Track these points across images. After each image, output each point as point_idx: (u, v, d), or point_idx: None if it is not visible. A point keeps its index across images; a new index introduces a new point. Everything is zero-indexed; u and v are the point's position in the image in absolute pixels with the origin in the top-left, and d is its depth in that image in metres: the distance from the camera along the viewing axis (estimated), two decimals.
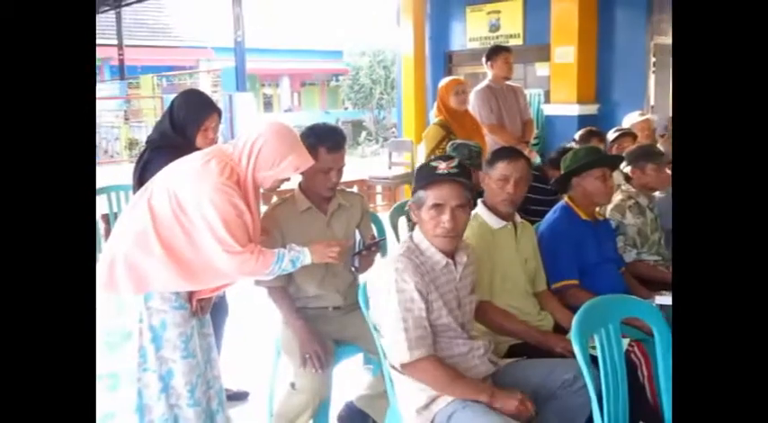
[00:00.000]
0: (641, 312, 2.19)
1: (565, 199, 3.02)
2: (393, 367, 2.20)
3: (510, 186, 2.62)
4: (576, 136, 4.42)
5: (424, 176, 2.20)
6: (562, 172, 3.02)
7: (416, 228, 2.25)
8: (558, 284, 2.83)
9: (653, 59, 6.60)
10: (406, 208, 2.28)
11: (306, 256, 2.43)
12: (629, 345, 2.47)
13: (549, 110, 6.57)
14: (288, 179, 2.48)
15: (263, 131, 2.36)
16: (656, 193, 3.59)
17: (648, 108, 6.40)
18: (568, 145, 4.04)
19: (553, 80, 6.52)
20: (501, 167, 2.64)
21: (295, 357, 2.61)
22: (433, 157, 2.29)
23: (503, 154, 2.74)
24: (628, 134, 4.47)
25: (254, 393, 3.41)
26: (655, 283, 3.13)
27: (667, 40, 6.70)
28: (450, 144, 3.86)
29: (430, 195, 2.15)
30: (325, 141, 2.65)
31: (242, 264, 2.28)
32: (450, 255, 2.23)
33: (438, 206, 2.14)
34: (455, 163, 2.20)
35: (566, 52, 6.32)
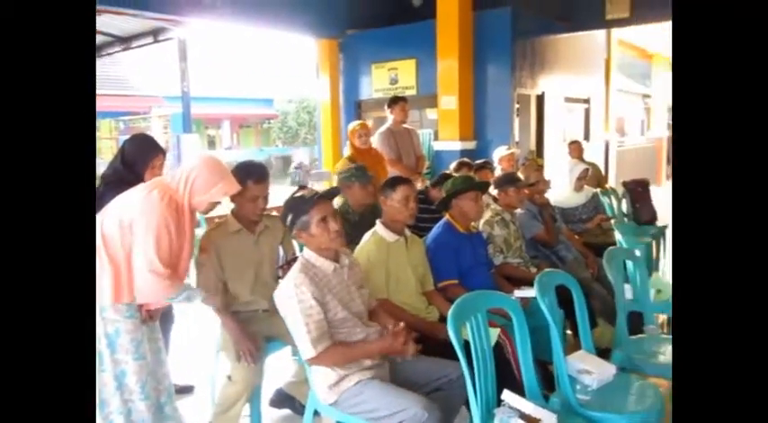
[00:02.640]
0: (503, 303, 2.26)
1: (446, 216, 3.11)
2: None
3: (411, 203, 2.72)
4: (451, 166, 4.57)
5: (302, 205, 2.21)
6: (444, 195, 3.12)
7: (305, 248, 2.27)
8: (442, 284, 2.90)
9: (516, 106, 6.90)
10: (293, 235, 2.28)
11: (197, 298, 2.40)
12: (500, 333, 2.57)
13: (437, 146, 6.72)
14: (219, 203, 2.44)
15: (197, 164, 2.33)
16: (517, 210, 3.73)
17: (514, 143, 6.67)
18: (447, 172, 4.17)
19: (440, 122, 6.67)
20: (403, 190, 2.72)
21: (231, 354, 2.58)
22: (294, 192, 2.33)
23: (401, 180, 2.82)
24: (486, 166, 4.67)
25: (198, 386, 3.33)
26: (518, 280, 3.21)
27: (526, 90, 7.03)
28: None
29: (314, 215, 2.18)
30: (251, 175, 2.66)
31: (156, 284, 2.21)
32: (336, 259, 2.26)
33: (324, 219, 2.19)
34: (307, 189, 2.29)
35: (449, 101, 6.49)
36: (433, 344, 2.44)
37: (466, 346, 2.05)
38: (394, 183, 2.77)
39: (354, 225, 3.28)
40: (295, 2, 7.07)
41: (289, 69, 22.37)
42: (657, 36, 11.83)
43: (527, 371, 2.24)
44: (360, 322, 2.27)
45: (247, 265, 2.75)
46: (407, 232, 2.80)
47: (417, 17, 7.66)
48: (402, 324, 2.25)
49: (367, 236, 2.73)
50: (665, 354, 2.67)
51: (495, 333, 2.50)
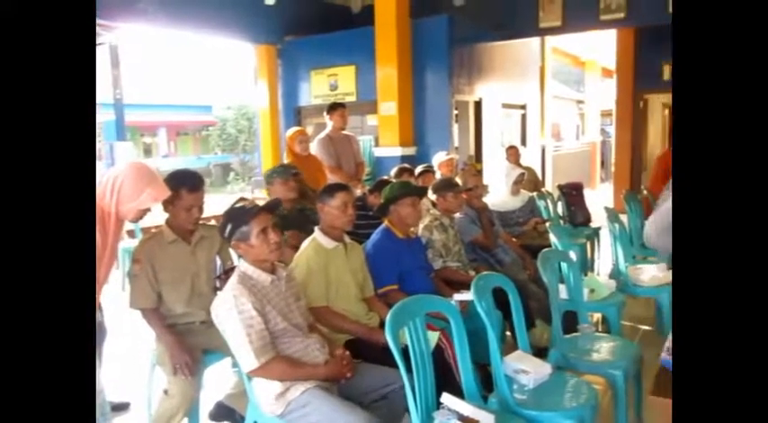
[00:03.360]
0: (440, 307, 2.29)
1: (385, 222, 3.14)
2: None
3: (350, 210, 2.73)
4: (392, 172, 4.62)
5: (243, 215, 2.20)
6: (382, 201, 3.15)
7: (241, 260, 2.25)
8: (382, 289, 2.93)
9: (455, 112, 7.02)
10: (231, 245, 2.25)
11: None
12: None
13: (378, 152, 6.76)
14: (149, 210, 2.36)
15: (123, 170, 2.26)
16: (456, 215, 3.80)
17: (453, 148, 6.79)
18: (385, 178, 4.20)
19: (380, 129, 6.72)
20: (341, 196, 2.73)
21: (167, 367, 2.51)
22: (234, 202, 2.32)
23: (339, 187, 2.83)
24: (429, 170, 4.74)
25: (134, 403, 3.23)
26: (457, 284, 3.25)
27: (464, 97, 7.18)
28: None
29: (254, 226, 2.18)
30: (185, 183, 2.61)
31: None
32: (273, 271, 2.26)
33: (264, 230, 2.19)
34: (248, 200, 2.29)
35: (389, 107, 6.55)
36: (375, 350, 2.46)
37: (406, 350, 2.07)
38: (332, 189, 2.78)
39: (283, 217, 3.28)
40: (231, 7, 6.98)
41: (227, 76, 22.00)
42: (589, 44, 12.33)
43: (465, 373, 2.28)
44: (300, 333, 2.26)
45: (183, 276, 2.70)
46: (347, 239, 2.81)
47: (356, 24, 7.72)
48: (348, 352, 2.27)
49: (306, 243, 2.72)
50: (599, 351, 2.77)
51: (434, 337, 2.54)
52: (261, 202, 2.29)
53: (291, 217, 3.38)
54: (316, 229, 2.75)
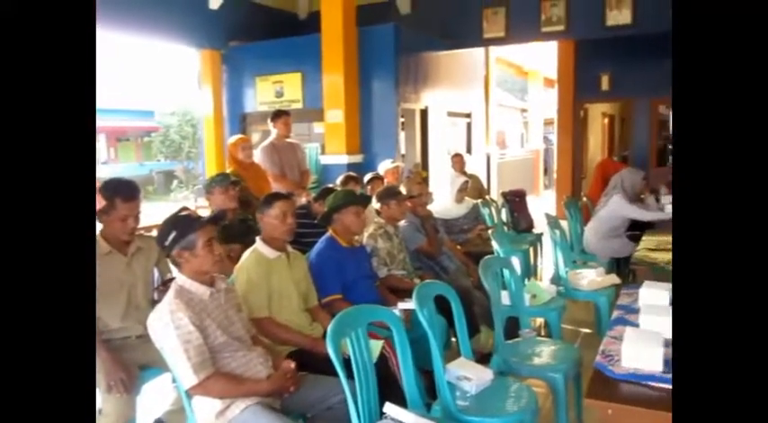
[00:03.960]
0: (382, 316, 2.30)
1: (329, 231, 3.13)
2: None
3: (289, 219, 2.70)
4: (338, 180, 4.61)
5: (190, 223, 2.17)
6: (325, 210, 3.13)
7: (178, 273, 2.20)
8: (326, 299, 2.91)
9: (401, 120, 7.07)
10: (172, 255, 2.19)
11: None
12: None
13: (325, 160, 6.72)
14: None
15: None
16: (400, 223, 3.82)
17: (399, 156, 6.83)
18: (330, 186, 4.20)
19: (327, 136, 6.69)
20: (279, 206, 2.71)
21: (101, 385, 2.43)
22: (177, 211, 2.28)
23: (278, 196, 2.80)
24: (377, 178, 4.76)
25: None
26: (403, 292, 3.26)
27: (411, 105, 7.25)
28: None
29: (201, 235, 2.14)
30: (120, 193, 2.53)
31: None
32: (211, 284, 2.22)
33: (210, 240, 2.16)
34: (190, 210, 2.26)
35: (335, 114, 6.53)
36: (319, 361, 2.44)
37: (350, 361, 2.07)
38: (270, 199, 2.75)
39: (224, 228, 3.22)
40: (174, 11, 6.84)
41: (170, 80, 21.55)
42: (532, 55, 12.67)
43: (408, 381, 2.29)
44: (242, 346, 2.22)
45: (119, 289, 2.61)
46: (289, 248, 2.78)
47: (303, 31, 7.69)
48: (293, 364, 2.24)
49: (247, 253, 2.69)
50: (540, 355, 2.84)
51: (378, 346, 2.54)
52: (203, 211, 2.25)
53: (233, 227, 3.32)
54: (257, 239, 2.71)
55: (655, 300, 2.45)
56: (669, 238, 4.03)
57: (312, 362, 2.46)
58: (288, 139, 5.24)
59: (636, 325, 2.20)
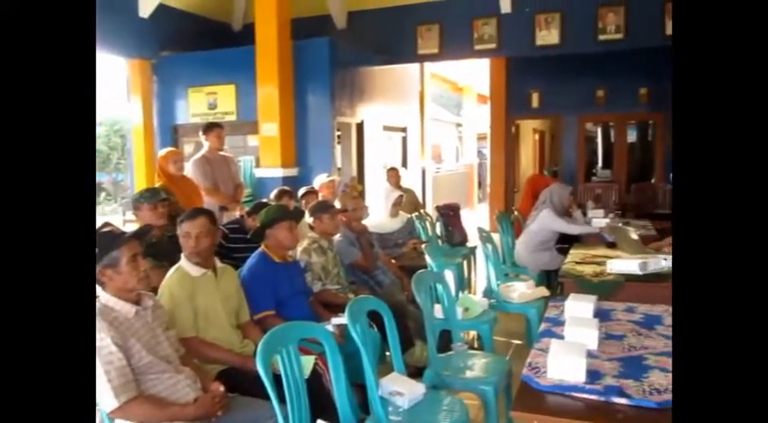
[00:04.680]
0: (314, 333, 2.28)
1: (262, 246, 3.09)
2: None
3: (192, 241, 2.63)
4: (271, 195, 4.56)
5: (113, 240, 2.10)
6: (258, 225, 3.09)
7: (100, 290, 2.10)
8: (259, 315, 2.87)
9: (337, 133, 7.09)
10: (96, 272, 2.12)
11: None
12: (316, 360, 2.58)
13: (259, 173, 6.65)
14: None
15: None
16: (335, 237, 3.81)
17: (335, 170, 6.84)
18: (264, 201, 4.14)
19: (261, 149, 6.62)
20: (184, 226, 2.65)
21: None
22: (99, 226, 2.21)
23: (185, 215, 2.74)
24: (312, 192, 4.74)
25: None
26: (336, 306, 3.24)
27: (346, 119, 7.27)
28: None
29: (126, 252, 2.07)
30: None
31: None
32: (137, 302, 2.15)
33: (134, 257, 2.09)
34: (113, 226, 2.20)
35: (270, 128, 6.47)
36: (250, 379, 2.38)
37: (280, 377, 2.04)
38: (190, 216, 2.69)
39: (151, 245, 3.12)
40: (102, 18, 6.57)
41: (98, 90, 20.77)
42: (466, 71, 12.98)
43: (341, 398, 2.28)
44: (169, 366, 2.14)
45: None
46: (218, 264, 2.72)
47: (237, 42, 7.60)
48: (221, 387, 2.18)
49: (171, 271, 2.60)
50: (472, 368, 2.88)
51: (310, 361, 2.52)
52: (132, 226, 2.17)
53: (161, 244, 3.21)
54: (182, 256, 2.64)
55: (580, 312, 2.53)
56: (595, 252, 4.19)
57: (243, 381, 2.41)
58: (221, 152, 5.15)
59: (561, 337, 2.26)
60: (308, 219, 3.65)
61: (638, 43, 6.96)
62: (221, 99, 7.17)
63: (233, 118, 7.04)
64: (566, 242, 4.93)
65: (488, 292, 4.23)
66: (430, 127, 11.20)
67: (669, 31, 6.69)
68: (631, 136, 10.75)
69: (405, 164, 9.51)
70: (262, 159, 6.63)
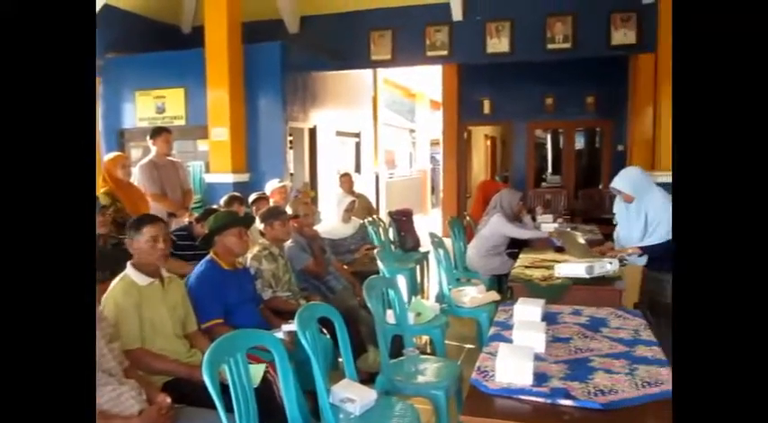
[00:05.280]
0: (262, 340, 2.25)
1: (210, 253, 3.03)
2: None
3: (161, 244, 2.57)
4: (221, 201, 4.49)
5: None
6: (206, 232, 3.03)
7: None
8: (207, 324, 2.80)
9: (289, 139, 7.03)
10: None
11: None
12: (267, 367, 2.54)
13: (209, 178, 6.52)
14: None
15: None
16: (286, 243, 3.78)
17: (288, 175, 6.78)
18: (214, 207, 4.07)
19: (211, 154, 6.50)
20: (149, 230, 2.56)
21: None
22: None
23: (147, 219, 2.66)
24: (263, 197, 4.69)
25: None
26: (288, 313, 3.16)
27: (299, 124, 7.22)
28: None
29: None
30: None
31: None
32: None
33: None
34: None
35: (220, 132, 6.37)
36: (198, 390, 2.33)
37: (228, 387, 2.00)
38: (139, 223, 2.60)
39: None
40: None
41: None
42: (419, 77, 13.10)
43: (291, 406, 2.25)
44: (111, 379, 2.08)
45: None
46: (164, 272, 2.65)
47: (186, 45, 7.46)
48: (168, 399, 2.13)
49: (116, 280, 2.52)
50: (424, 373, 2.89)
51: (260, 370, 2.48)
52: None
53: (105, 252, 3.11)
54: (128, 264, 2.56)
55: (528, 316, 2.58)
56: (543, 256, 4.28)
57: (191, 392, 2.35)
58: (169, 157, 5.03)
59: (510, 340, 2.30)
60: (258, 225, 3.61)
61: (586, 52, 7.17)
62: (170, 103, 7.01)
63: (182, 122, 6.89)
64: (516, 247, 5.02)
65: (440, 297, 4.26)
66: (383, 132, 11.26)
67: (615, 40, 6.92)
68: (579, 143, 11.05)
69: (358, 169, 9.52)
70: (212, 165, 6.52)
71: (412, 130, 17.61)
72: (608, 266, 3.36)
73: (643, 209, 3.48)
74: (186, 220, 4.45)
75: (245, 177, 6.50)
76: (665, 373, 2.01)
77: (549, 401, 1.81)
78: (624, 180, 3.56)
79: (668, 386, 1.90)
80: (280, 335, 2.76)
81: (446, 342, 3.78)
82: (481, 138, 12.40)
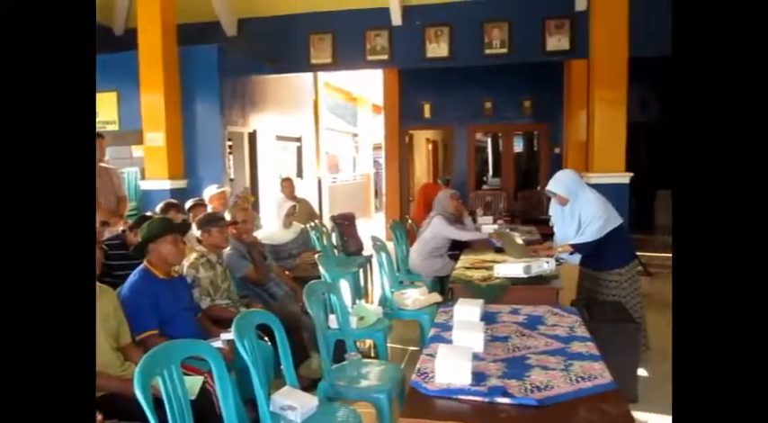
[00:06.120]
0: (198, 350, 2.19)
1: (144, 262, 2.94)
2: None
3: (99, 252, 2.47)
4: (157, 208, 4.37)
5: None
6: (139, 240, 2.94)
7: None
8: (141, 336, 2.71)
9: (228, 143, 6.91)
10: None
11: None
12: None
13: (145, 185, 6.34)
14: None
15: None
16: (225, 250, 3.71)
17: (227, 181, 6.66)
18: (148, 214, 3.95)
19: (147, 160, 6.32)
20: None
21: None
22: None
23: None
24: (200, 204, 4.59)
25: None
26: (227, 321, 3.12)
27: (238, 128, 7.12)
28: None
29: None
30: None
31: None
32: None
33: None
34: None
35: (155, 137, 6.20)
36: (132, 404, 2.25)
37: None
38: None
39: None
40: None
41: None
42: (360, 82, 13.13)
43: (228, 415, 2.20)
44: None
45: None
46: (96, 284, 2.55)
47: (119, 47, 7.21)
48: (99, 416, 2.07)
49: None
50: (366, 377, 2.89)
51: (198, 381, 2.42)
52: None
53: None
54: None
55: (467, 316, 2.62)
56: (484, 257, 4.35)
57: (124, 407, 2.28)
58: (102, 164, 4.86)
59: (450, 341, 2.32)
60: (195, 232, 3.52)
61: (522, 58, 7.36)
62: (102, 107, 6.76)
63: (115, 127, 6.69)
64: (457, 249, 5.09)
65: (383, 301, 4.27)
66: (326, 137, 11.21)
67: (550, 46, 7.13)
68: (518, 146, 11.33)
69: (300, 174, 9.44)
70: (147, 171, 6.34)
71: (355, 135, 17.62)
72: (545, 266, 3.45)
73: (577, 210, 3.60)
74: (120, 228, 4.31)
75: (182, 184, 6.35)
76: (598, 368, 2.08)
77: (487, 400, 1.84)
78: (558, 184, 3.67)
79: (600, 380, 1.97)
80: (218, 344, 2.70)
81: (389, 345, 3.79)
82: (423, 142, 12.54)
